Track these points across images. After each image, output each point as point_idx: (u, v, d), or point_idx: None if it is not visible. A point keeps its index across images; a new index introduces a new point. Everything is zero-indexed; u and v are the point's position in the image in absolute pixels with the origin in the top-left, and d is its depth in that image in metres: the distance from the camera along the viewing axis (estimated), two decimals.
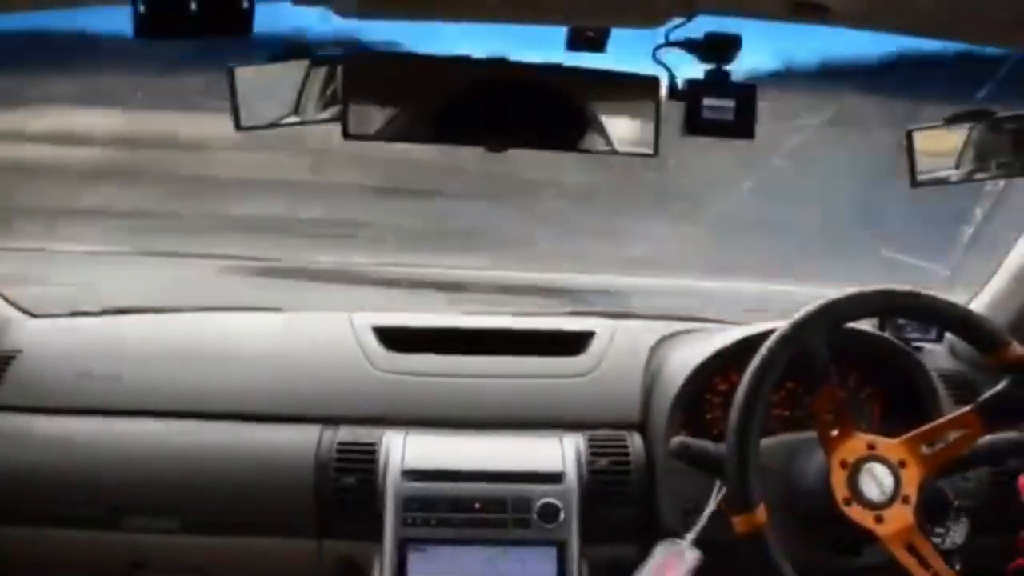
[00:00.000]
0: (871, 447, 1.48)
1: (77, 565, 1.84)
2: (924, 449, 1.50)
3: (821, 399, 1.47)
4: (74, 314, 2.21)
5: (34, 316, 2.14)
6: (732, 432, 1.45)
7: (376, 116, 1.41)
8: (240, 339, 2.04)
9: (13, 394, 1.89)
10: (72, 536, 1.80)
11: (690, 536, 1.59)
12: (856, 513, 1.43)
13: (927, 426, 1.52)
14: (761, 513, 1.41)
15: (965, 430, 1.49)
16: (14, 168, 3.15)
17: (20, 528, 1.81)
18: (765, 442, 1.53)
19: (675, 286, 3.03)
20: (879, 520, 1.43)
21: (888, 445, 1.48)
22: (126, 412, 1.86)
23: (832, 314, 1.50)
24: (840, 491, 1.44)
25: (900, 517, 1.43)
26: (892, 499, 1.44)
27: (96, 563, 1.83)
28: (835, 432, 1.47)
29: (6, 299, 2.10)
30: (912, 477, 1.46)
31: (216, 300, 2.47)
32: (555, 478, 1.73)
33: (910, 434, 1.50)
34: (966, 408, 1.50)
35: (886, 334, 1.90)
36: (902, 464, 1.47)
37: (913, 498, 1.45)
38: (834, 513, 1.44)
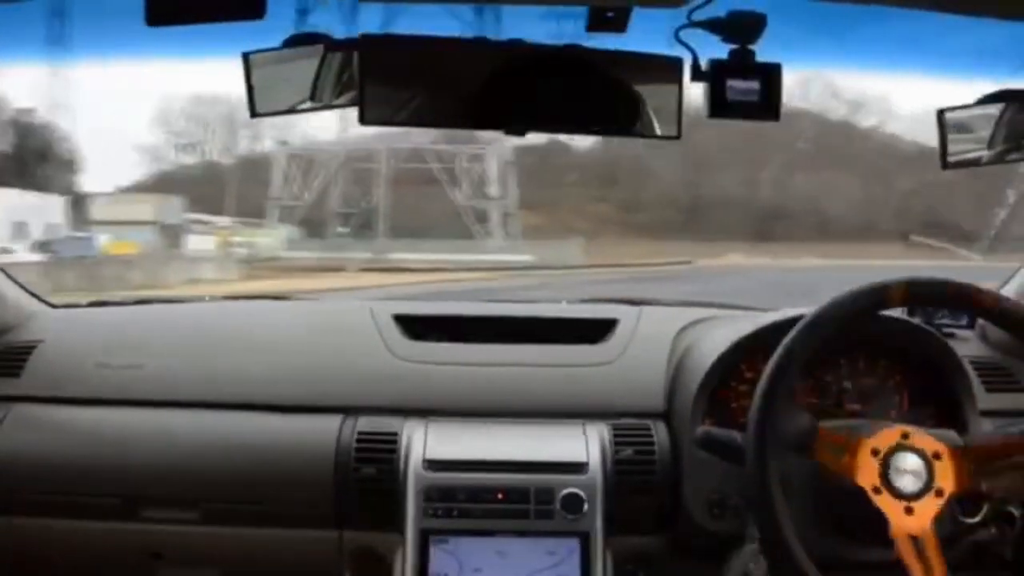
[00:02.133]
0: (905, 436, 1.44)
1: (95, 555, 1.84)
2: (959, 441, 1.46)
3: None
4: (94, 304, 2.22)
5: (54, 307, 2.15)
6: (752, 420, 1.42)
7: (393, 101, 1.39)
8: (260, 328, 2.03)
9: (33, 384, 1.90)
10: (91, 527, 1.80)
11: (749, 546, 1.56)
12: (884, 503, 1.40)
13: (982, 442, 1.48)
14: (787, 519, 1.38)
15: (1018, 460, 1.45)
16: None
17: (39, 518, 1.82)
18: None
19: None
20: (909, 512, 1.39)
21: (922, 436, 1.45)
22: (145, 402, 1.86)
23: (860, 303, 1.46)
24: (870, 480, 1.41)
25: (932, 510, 1.39)
26: (924, 491, 1.41)
27: (114, 553, 1.84)
28: (867, 420, 1.44)
29: (26, 290, 2.11)
30: (946, 470, 1.42)
31: None
32: (579, 468, 1.71)
33: (957, 448, 1.45)
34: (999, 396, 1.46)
35: (916, 320, 1.86)
36: (936, 456, 1.43)
37: (947, 492, 1.41)
38: (863, 503, 1.41)
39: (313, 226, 28.12)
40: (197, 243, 23.67)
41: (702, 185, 29.17)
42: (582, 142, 31.48)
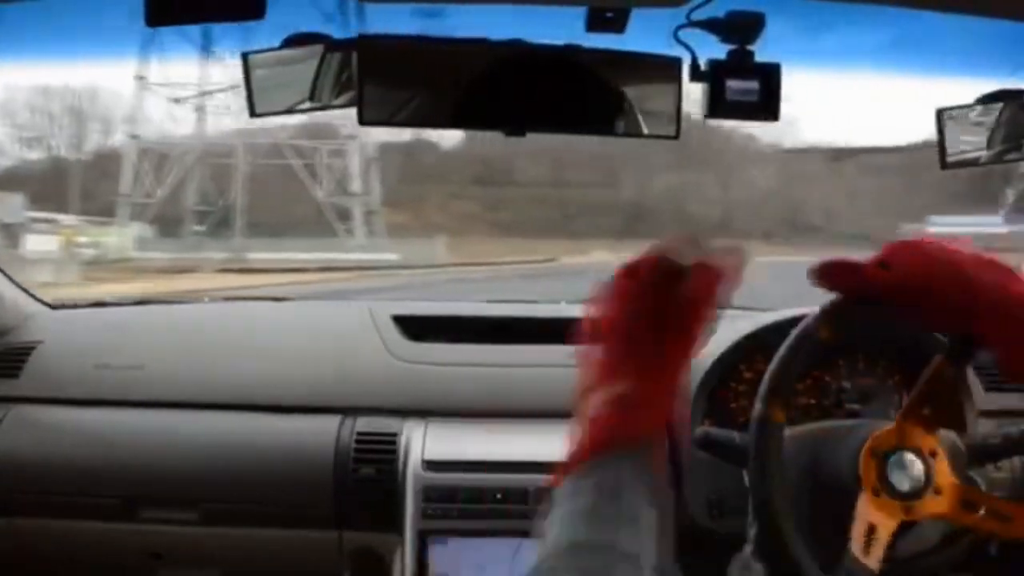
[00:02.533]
0: (902, 436, 1.44)
1: (95, 556, 1.84)
2: (956, 439, 1.46)
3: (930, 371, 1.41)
4: (94, 305, 2.22)
5: (54, 307, 2.15)
6: (755, 421, 1.42)
7: (392, 101, 1.39)
8: (259, 329, 2.03)
9: (32, 385, 1.90)
10: (90, 527, 1.80)
11: (749, 547, 1.56)
12: (883, 505, 1.40)
13: (913, 396, 1.47)
14: (787, 520, 1.37)
15: (941, 378, 1.43)
16: None
17: (39, 519, 1.82)
18: (792, 432, 1.49)
19: None
20: (908, 511, 1.39)
21: (918, 434, 1.44)
22: (145, 403, 1.86)
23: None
24: (869, 482, 1.41)
25: (932, 509, 1.39)
26: (923, 490, 1.41)
27: (114, 554, 1.84)
28: (866, 420, 1.43)
29: (26, 291, 2.11)
30: (943, 467, 1.42)
31: None
32: None
33: (937, 423, 1.46)
34: (998, 395, 1.46)
35: None
36: (933, 454, 1.43)
37: (946, 489, 1.41)
38: (858, 500, 1.41)
39: (166, 225, 26.00)
40: (38, 243, 21.52)
41: (568, 183, 28.63)
42: (448, 139, 31.14)
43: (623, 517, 0.82)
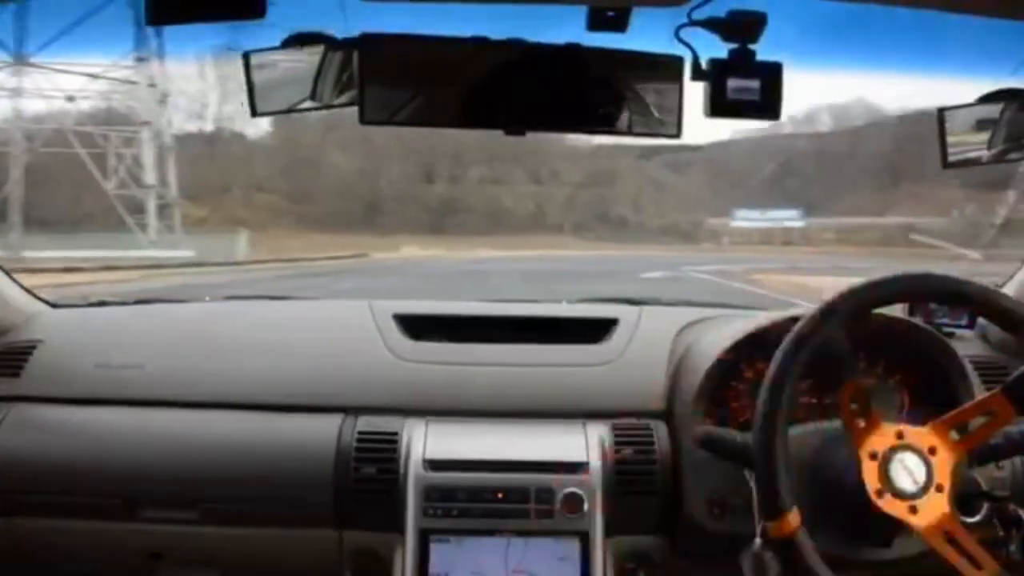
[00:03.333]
0: (900, 436, 1.44)
1: (95, 555, 1.84)
2: (954, 435, 1.46)
3: (845, 391, 1.43)
4: (94, 304, 2.22)
5: (55, 306, 2.15)
6: (759, 420, 1.42)
7: (393, 100, 1.39)
8: (260, 328, 2.03)
9: (33, 384, 1.90)
10: (90, 527, 1.80)
11: (758, 540, 1.56)
12: (889, 505, 1.40)
13: (954, 411, 1.48)
14: (794, 517, 1.37)
15: (994, 414, 1.45)
16: None
17: (39, 518, 1.82)
18: (794, 431, 1.50)
19: None
20: (913, 511, 1.39)
21: (917, 433, 1.45)
22: (145, 402, 1.86)
23: (860, 299, 1.46)
24: (872, 483, 1.41)
25: (935, 507, 1.40)
26: (925, 488, 1.41)
27: (114, 553, 1.83)
28: (861, 424, 1.43)
29: (26, 290, 2.11)
30: (944, 464, 1.43)
31: None
32: (579, 468, 1.71)
33: (937, 420, 1.46)
34: (995, 391, 1.46)
35: (916, 320, 1.86)
36: (932, 451, 1.43)
37: (947, 486, 1.41)
38: (866, 506, 1.41)
39: None
40: None
41: (377, 177, 27.82)
42: (255, 127, 29.39)
43: None
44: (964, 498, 1.49)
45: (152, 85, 23.69)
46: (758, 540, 1.53)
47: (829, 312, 1.45)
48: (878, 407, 1.45)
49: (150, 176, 24.23)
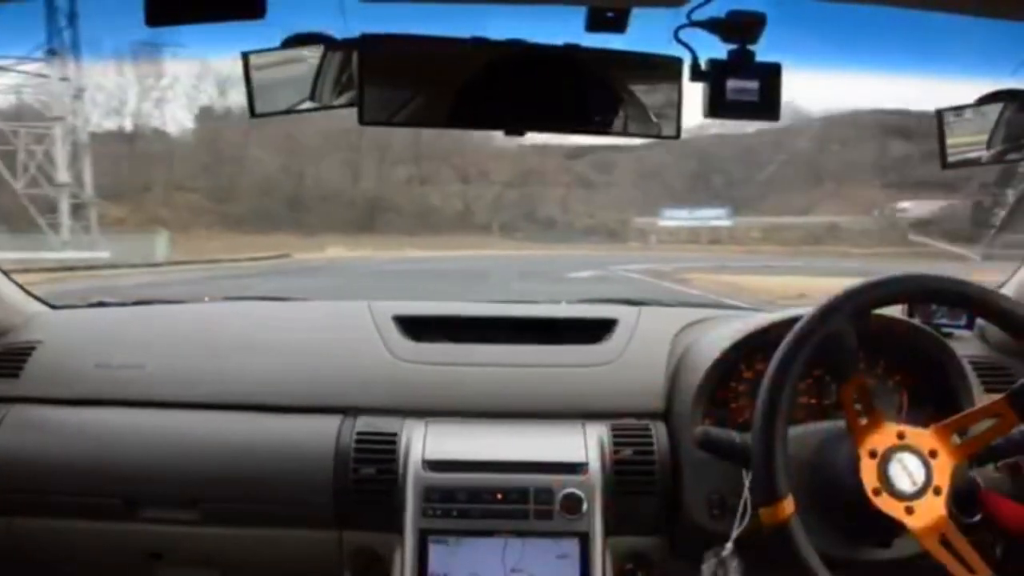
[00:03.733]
0: (901, 436, 1.44)
1: (95, 556, 1.84)
2: (955, 438, 1.46)
3: (848, 387, 1.43)
4: (94, 305, 2.22)
5: (54, 307, 2.15)
6: (759, 419, 1.42)
7: (392, 100, 1.39)
8: (259, 329, 2.03)
9: (33, 385, 1.90)
10: (90, 527, 1.80)
11: (729, 545, 1.56)
12: (886, 504, 1.40)
13: (958, 415, 1.48)
14: (788, 504, 1.38)
15: (997, 419, 1.45)
16: None
17: (38, 519, 1.82)
18: (793, 431, 1.50)
19: None
20: (910, 512, 1.39)
21: (918, 434, 1.45)
22: (145, 403, 1.86)
23: (860, 300, 1.46)
24: (869, 482, 1.41)
25: (932, 509, 1.40)
26: (923, 490, 1.41)
27: (114, 554, 1.84)
28: (863, 421, 1.44)
29: (26, 290, 2.11)
30: (943, 467, 1.43)
31: None
32: (578, 468, 1.71)
33: (941, 423, 1.46)
34: (998, 396, 1.46)
35: (915, 320, 1.86)
36: (933, 454, 1.43)
37: (945, 489, 1.41)
38: (863, 504, 1.41)
39: None
40: None
41: (303, 175, 27.03)
42: (175, 127, 28.96)
43: None
44: (963, 497, 1.49)
45: (65, 79, 22.83)
46: (729, 545, 1.54)
47: (829, 312, 1.45)
48: (878, 407, 1.45)
49: (63, 174, 23.19)
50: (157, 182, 27.86)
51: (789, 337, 1.44)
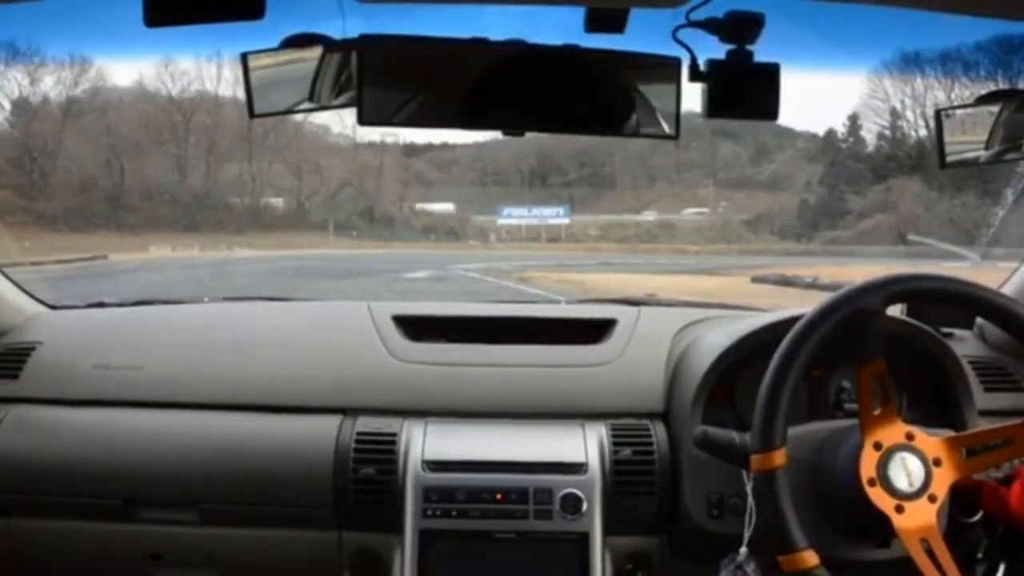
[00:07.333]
0: (909, 437, 1.43)
1: (94, 556, 1.84)
2: (964, 453, 1.46)
3: (868, 371, 1.41)
4: (93, 305, 2.22)
5: (53, 308, 2.15)
6: (757, 427, 1.42)
7: (391, 101, 1.39)
8: (259, 329, 2.03)
9: (32, 386, 1.90)
10: (90, 528, 1.80)
11: (744, 550, 1.56)
12: (877, 496, 1.39)
13: (972, 431, 1.47)
14: (780, 455, 1.38)
15: (1012, 443, 1.44)
16: None
17: (38, 519, 1.82)
18: (793, 431, 1.49)
19: None
20: (899, 510, 1.39)
21: (927, 440, 1.44)
22: (144, 403, 1.86)
23: (897, 287, 1.45)
24: (867, 471, 1.41)
25: (922, 514, 1.39)
26: (918, 493, 1.40)
27: (113, 554, 1.84)
28: (876, 411, 1.43)
29: (25, 291, 2.11)
30: (944, 478, 1.42)
31: None
32: (578, 468, 1.71)
33: (954, 436, 1.45)
34: (1017, 421, 1.45)
35: (914, 320, 1.86)
36: (937, 462, 1.42)
37: (940, 499, 1.41)
38: (856, 494, 1.41)
39: None
40: None
41: (124, 170, 26.69)
42: None
43: None
44: (964, 497, 1.49)
45: None
46: (744, 549, 1.53)
47: (828, 313, 1.45)
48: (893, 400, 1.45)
49: None
50: None
51: (789, 337, 1.44)
